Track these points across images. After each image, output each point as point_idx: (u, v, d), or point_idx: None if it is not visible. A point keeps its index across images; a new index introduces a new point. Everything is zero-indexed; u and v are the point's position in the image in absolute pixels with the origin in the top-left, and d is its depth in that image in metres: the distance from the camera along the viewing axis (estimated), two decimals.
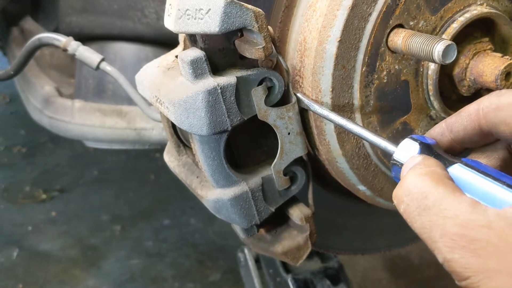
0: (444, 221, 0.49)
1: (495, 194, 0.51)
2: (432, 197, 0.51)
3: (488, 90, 0.86)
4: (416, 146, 0.59)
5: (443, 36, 0.79)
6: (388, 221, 1.20)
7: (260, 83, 0.74)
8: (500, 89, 0.77)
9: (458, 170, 0.54)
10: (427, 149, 0.58)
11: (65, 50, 1.27)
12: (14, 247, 2.57)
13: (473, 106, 0.59)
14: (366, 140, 0.70)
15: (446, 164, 0.56)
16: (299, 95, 0.78)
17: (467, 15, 0.80)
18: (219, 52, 0.73)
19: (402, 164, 0.59)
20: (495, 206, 0.49)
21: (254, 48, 0.69)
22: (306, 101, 0.77)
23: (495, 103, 0.56)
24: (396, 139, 0.84)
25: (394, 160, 0.61)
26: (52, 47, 1.44)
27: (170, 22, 0.71)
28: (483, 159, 0.61)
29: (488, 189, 0.51)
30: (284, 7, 0.82)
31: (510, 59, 0.77)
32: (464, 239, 0.47)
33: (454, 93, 0.85)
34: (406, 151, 0.59)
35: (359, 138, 0.82)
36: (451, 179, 0.54)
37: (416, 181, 0.53)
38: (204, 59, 0.70)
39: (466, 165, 0.55)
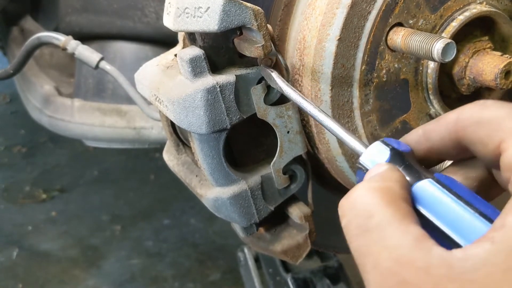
0: (381, 251, 0.41)
1: (464, 220, 0.44)
2: (376, 219, 0.43)
3: (488, 89, 0.86)
4: (386, 152, 0.51)
5: (443, 34, 0.79)
6: None
7: (259, 82, 0.74)
8: (500, 88, 0.76)
9: (427, 186, 0.47)
10: (398, 157, 0.51)
11: (64, 49, 1.27)
12: (14, 247, 2.57)
13: (453, 115, 0.50)
14: (332, 133, 0.61)
15: (416, 177, 0.49)
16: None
17: (467, 13, 0.79)
18: (218, 50, 0.73)
19: (367, 170, 0.52)
20: (463, 234, 0.43)
21: (253, 46, 0.69)
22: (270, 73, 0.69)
23: (477, 117, 0.48)
24: (396, 138, 0.84)
25: (360, 164, 0.53)
26: (52, 47, 1.44)
27: (169, 21, 0.71)
28: (459, 176, 0.53)
29: (457, 213, 0.44)
30: (284, 6, 0.82)
31: (510, 58, 0.76)
32: (395, 279, 0.40)
33: (453, 92, 0.85)
34: (375, 156, 0.52)
35: (358, 137, 0.82)
36: (407, 201, 0.46)
37: (364, 196, 0.46)
38: (203, 57, 0.69)
39: (438, 182, 0.47)
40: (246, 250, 1.68)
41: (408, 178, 0.49)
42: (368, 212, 0.44)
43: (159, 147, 1.49)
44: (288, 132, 0.78)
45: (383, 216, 0.43)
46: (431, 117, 0.85)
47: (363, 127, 0.81)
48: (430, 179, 0.48)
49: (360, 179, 0.52)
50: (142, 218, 2.78)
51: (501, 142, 0.45)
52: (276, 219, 0.89)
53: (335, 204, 1.11)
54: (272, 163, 0.79)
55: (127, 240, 2.63)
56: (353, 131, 0.81)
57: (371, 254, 0.42)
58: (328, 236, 1.15)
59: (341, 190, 0.95)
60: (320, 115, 0.62)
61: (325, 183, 1.00)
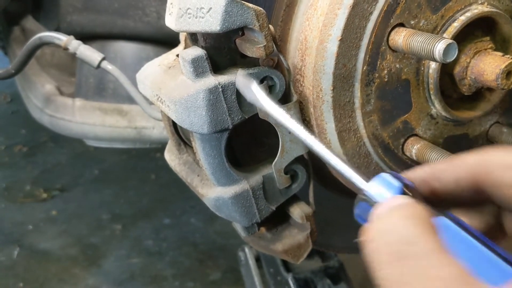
0: (421, 281, 0.38)
1: (488, 261, 0.42)
2: (416, 247, 0.40)
3: (489, 89, 0.86)
4: (394, 186, 0.48)
5: (444, 35, 0.79)
6: None
7: (261, 82, 0.74)
8: (501, 88, 0.77)
9: (449, 223, 0.45)
10: (408, 191, 0.48)
11: (66, 49, 1.27)
12: (15, 245, 2.57)
13: (473, 158, 0.49)
14: (330, 166, 0.56)
15: (432, 213, 0.46)
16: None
17: (468, 14, 0.80)
18: (220, 50, 0.73)
19: (374, 202, 0.48)
20: (489, 275, 0.41)
21: (255, 46, 0.69)
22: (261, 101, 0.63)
23: (508, 161, 0.47)
24: (397, 138, 0.85)
25: (365, 196, 0.49)
26: (53, 46, 1.44)
27: (171, 21, 0.71)
28: (465, 219, 0.51)
29: (481, 254, 0.42)
30: (285, 6, 0.82)
31: (511, 58, 0.77)
32: None
33: (455, 92, 0.85)
34: (382, 188, 0.48)
35: (360, 137, 0.83)
36: (439, 234, 0.43)
37: (401, 222, 0.43)
38: (205, 57, 0.70)
39: (453, 220, 0.45)
40: (247, 250, 1.68)
41: None
42: (407, 239, 0.41)
43: (160, 147, 1.49)
44: (289, 132, 0.78)
45: (423, 245, 0.40)
46: (432, 117, 0.85)
47: (364, 127, 0.81)
48: (445, 217, 0.46)
49: (362, 212, 0.49)
50: (142, 217, 2.78)
51: None
52: (278, 219, 0.89)
53: (336, 204, 1.12)
54: (273, 163, 0.80)
55: (127, 239, 2.63)
56: (354, 131, 0.82)
57: (407, 284, 0.39)
58: (329, 235, 1.15)
59: (342, 190, 0.96)
60: (309, 137, 0.57)
61: (326, 183, 1.00)
